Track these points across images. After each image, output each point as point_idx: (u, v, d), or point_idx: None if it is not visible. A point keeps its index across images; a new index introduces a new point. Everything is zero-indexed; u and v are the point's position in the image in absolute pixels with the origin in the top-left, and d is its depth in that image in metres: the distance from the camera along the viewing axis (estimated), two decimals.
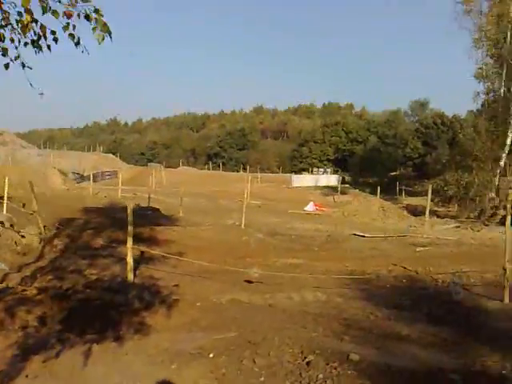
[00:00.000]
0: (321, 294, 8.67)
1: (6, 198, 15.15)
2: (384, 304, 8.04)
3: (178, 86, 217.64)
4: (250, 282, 9.68)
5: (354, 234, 17.83)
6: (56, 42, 3.46)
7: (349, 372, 4.78)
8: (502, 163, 27.67)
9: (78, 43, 3.45)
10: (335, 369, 4.85)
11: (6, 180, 15.23)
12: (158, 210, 21.10)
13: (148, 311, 7.30)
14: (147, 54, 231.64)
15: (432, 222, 23.40)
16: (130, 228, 9.31)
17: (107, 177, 49.22)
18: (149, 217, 19.14)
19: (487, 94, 30.02)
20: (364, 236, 17.31)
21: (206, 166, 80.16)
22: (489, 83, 29.67)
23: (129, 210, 9.32)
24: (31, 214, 13.94)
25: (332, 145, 77.04)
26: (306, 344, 5.65)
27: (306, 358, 5.19)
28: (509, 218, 9.51)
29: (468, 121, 45.66)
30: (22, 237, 12.58)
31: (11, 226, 14.48)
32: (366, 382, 4.54)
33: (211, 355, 5.24)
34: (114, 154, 73.53)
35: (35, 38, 3.36)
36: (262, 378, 4.68)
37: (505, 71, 28.26)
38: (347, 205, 30.11)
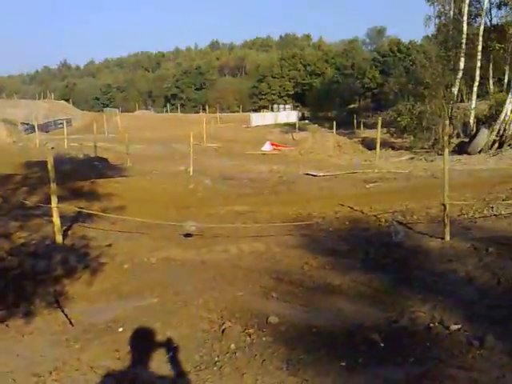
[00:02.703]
0: (259, 245, 8.27)
1: None
2: (322, 251, 7.71)
3: (129, 21, 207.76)
4: (189, 235, 9.24)
5: (307, 174, 17.49)
6: None
7: (263, 339, 4.48)
8: (454, 90, 27.00)
9: None
10: (250, 336, 4.54)
11: None
12: (105, 160, 20.22)
13: (70, 278, 6.83)
14: None
15: (387, 154, 23.31)
16: (52, 185, 8.63)
17: (59, 125, 46.96)
18: (95, 168, 18.34)
19: (439, 17, 28.92)
20: (316, 175, 17.00)
21: (165, 109, 77.70)
22: (440, 6, 28.58)
23: (49, 166, 8.59)
24: None
25: (291, 79, 75.40)
26: (228, 307, 5.33)
27: (223, 324, 4.87)
28: (446, 150, 9.28)
29: (425, 47, 44.88)
30: None
31: None
32: (280, 350, 4.24)
33: (121, 329, 4.86)
34: (66, 100, 70.14)
35: None
36: (171, 354, 4.33)
37: None
38: (304, 142, 29.70)
